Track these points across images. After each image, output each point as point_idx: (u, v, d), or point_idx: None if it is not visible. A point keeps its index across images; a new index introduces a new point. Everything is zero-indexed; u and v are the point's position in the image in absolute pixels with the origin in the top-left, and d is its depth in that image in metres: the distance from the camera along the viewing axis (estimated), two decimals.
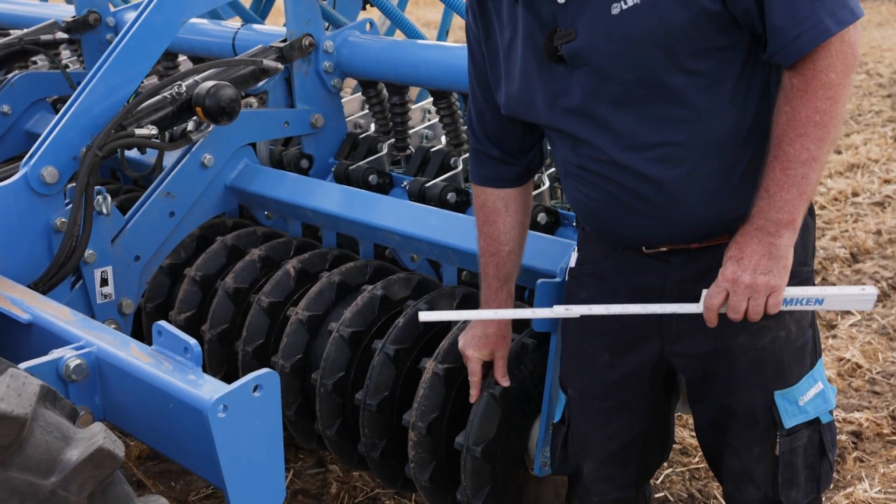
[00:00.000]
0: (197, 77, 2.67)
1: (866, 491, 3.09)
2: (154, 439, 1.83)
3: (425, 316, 2.02)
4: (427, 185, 2.81)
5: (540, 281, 2.12)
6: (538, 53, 1.82)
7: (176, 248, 2.95)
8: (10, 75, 3.60)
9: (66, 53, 4.13)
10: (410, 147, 3.15)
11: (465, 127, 3.02)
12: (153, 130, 2.52)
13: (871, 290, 1.79)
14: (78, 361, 1.78)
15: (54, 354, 1.79)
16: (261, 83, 2.90)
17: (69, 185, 2.50)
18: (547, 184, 2.73)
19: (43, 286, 2.41)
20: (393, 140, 3.15)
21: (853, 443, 3.36)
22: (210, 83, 2.55)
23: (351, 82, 3.37)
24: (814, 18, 1.60)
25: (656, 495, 3.10)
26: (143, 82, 2.71)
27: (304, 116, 3.07)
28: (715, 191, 1.79)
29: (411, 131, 3.19)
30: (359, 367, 2.49)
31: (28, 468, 1.37)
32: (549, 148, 2.11)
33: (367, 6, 3.45)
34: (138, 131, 2.51)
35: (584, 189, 1.90)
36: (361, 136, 3.17)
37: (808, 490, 1.99)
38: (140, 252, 2.72)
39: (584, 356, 2.05)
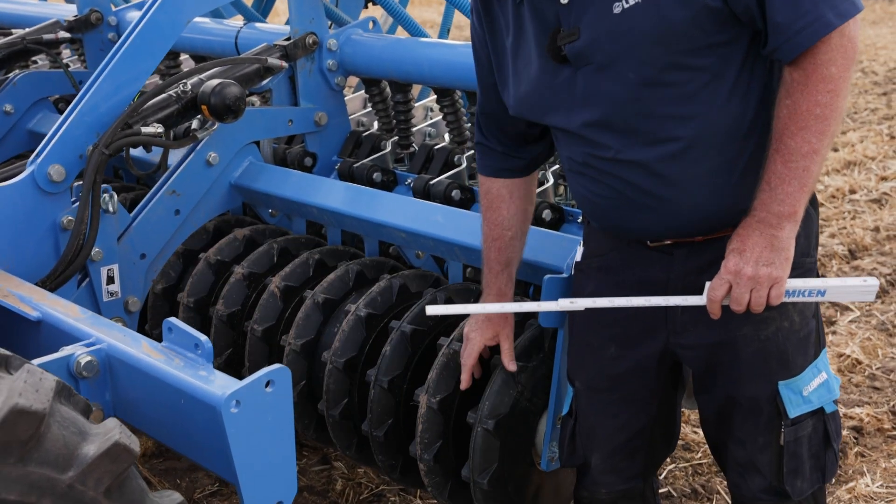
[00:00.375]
0: (202, 75, 2.67)
1: (868, 485, 3.11)
2: (165, 436, 1.82)
3: (432, 310, 2.05)
4: (431, 182, 2.82)
5: (547, 277, 2.14)
6: (542, 54, 1.84)
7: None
8: (12, 75, 3.60)
9: (66, 53, 4.13)
10: (414, 145, 3.16)
11: (469, 124, 3.05)
12: (160, 129, 2.53)
13: (873, 281, 1.80)
14: (89, 358, 1.77)
15: (65, 351, 1.79)
16: (265, 81, 2.91)
17: (75, 184, 2.51)
18: (551, 181, 2.75)
19: (50, 284, 2.41)
20: (396, 138, 3.15)
21: (854, 438, 3.39)
22: (215, 81, 2.55)
23: (352, 80, 3.37)
24: (816, 12, 1.62)
25: (659, 491, 3.12)
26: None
27: (307, 114, 3.07)
28: (718, 184, 1.81)
29: (414, 129, 3.20)
30: (370, 351, 2.49)
31: (46, 463, 1.38)
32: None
33: (370, 4, 3.47)
34: (145, 129, 2.51)
35: (589, 185, 1.92)
36: (365, 134, 3.17)
37: (812, 479, 2.00)
38: (146, 250, 2.73)
39: (591, 349, 2.07)
